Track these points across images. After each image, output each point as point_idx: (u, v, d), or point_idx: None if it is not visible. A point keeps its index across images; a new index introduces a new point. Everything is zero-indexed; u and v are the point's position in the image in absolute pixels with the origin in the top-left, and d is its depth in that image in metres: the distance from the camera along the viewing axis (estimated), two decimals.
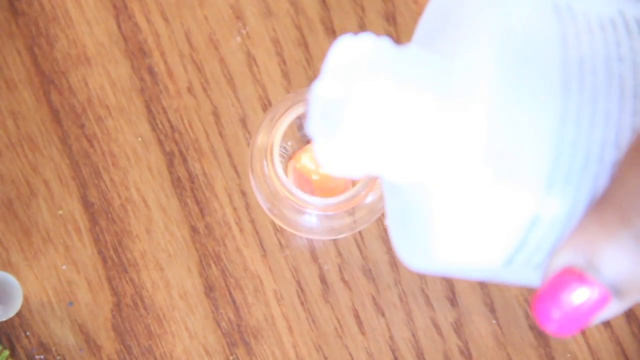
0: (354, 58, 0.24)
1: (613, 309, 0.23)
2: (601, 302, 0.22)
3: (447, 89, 0.23)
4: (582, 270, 0.22)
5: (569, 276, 0.22)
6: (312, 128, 0.25)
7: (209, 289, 0.48)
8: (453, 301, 0.48)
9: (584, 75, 0.22)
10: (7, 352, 0.47)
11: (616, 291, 0.22)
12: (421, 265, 0.26)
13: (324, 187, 0.45)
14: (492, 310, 0.48)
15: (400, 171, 0.24)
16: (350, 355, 0.48)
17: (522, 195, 0.22)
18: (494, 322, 0.48)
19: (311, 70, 0.49)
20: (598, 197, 0.22)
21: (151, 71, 0.49)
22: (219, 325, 0.48)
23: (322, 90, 0.24)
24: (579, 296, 0.22)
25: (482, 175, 0.22)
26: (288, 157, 0.46)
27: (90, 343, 0.48)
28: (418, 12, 0.50)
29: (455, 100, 0.23)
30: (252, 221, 0.48)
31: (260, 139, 0.44)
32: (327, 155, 0.24)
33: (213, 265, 0.48)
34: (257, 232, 0.48)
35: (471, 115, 0.22)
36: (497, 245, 0.23)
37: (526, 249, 0.23)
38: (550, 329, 0.23)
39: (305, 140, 0.46)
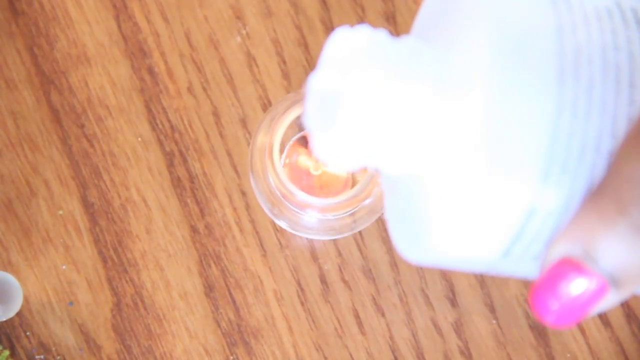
0: (350, 50, 0.24)
1: (611, 300, 0.22)
2: (599, 292, 0.22)
3: (443, 80, 0.23)
4: (579, 260, 0.22)
5: (567, 267, 0.22)
6: (308, 120, 0.25)
7: (209, 288, 0.48)
8: (453, 301, 0.48)
9: (580, 65, 0.22)
10: (7, 352, 0.47)
11: (614, 281, 0.22)
12: (419, 257, 0.26)
13: (323, 183, 0.45)
14: (492, 310, 0.48)
15: (397, 163, 0.24)
16: (350, 355, 0.48)
17: (518, 185, 0.22)
18: (494, 322, 0.48)
19: (311, 70, 0.49)
20: (595, 187, 0.22)
21: (151, 71, 0.49)
22: (219, 325, 0.48)
23: (319, 82, 0.24)
24: (576, 287, 0.22)
25: (478, 166, 0.22)
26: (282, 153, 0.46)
27: (90, 343, 0.48)
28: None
29: (452, 91, 0.23)
30: (252, 221, 0.48)
31: (260, 139, 0.44)
32: (325, 148, 0.24)
33: (213, 265, 0.48)
34: (257, 232, 0.48)
35: (467, 105, 0.22)
36: (494, 237, 0.23)
37: (523, 239, 0.23)
38: (547, 320, 0.23)
39: (299, 136, 0.46)
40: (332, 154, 0.24)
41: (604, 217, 0.22)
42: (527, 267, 0.25)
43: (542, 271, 0.23)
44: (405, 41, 0.24)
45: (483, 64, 0.22)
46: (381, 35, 0.24)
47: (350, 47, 0.24)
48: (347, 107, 0.23)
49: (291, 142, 0.46)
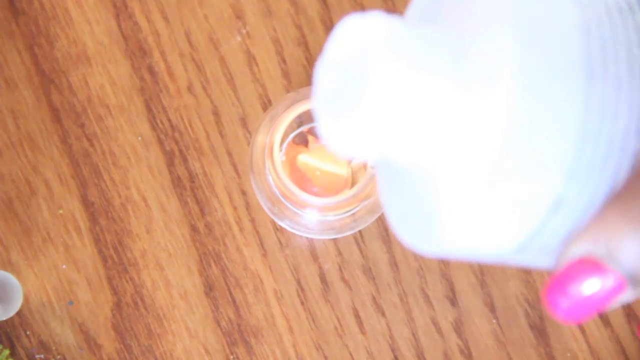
0: (366, 36, 0.23)
1: (626, 298, 0.23)
2: (616, 291, 0.22)
3: (465, 73, 0.23)
4: (600, 259, 0.22)
5: (587, 265, 0.22)
6: (320, 106, 0.24)
7: (209, 288, 0.48)
8: (453, 300, 0.48)
9: (607, 62, 0.22)
10: (7, 352, 0.47)
11: (633, 280, 0.22)
12: (427, 248, 0.25)
13: (323, 184, 0.45)
14: (492, 309, 0.48)
15: (411, 153, 0.24)
16: (350, 354, 0.48)
17: (543, 183, 0.22)
18: (494, 321, 0.48)
19: (311, 69, 0.49)
20: (620, 188, 0.22)
21: (151, 70, 0.49)
22: (219, 325, 0.48)
23: (332, 68, 0.24)
24: (596, 285, 0.22)
25: (502, 162, 0.22)
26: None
27: (90, 342, 0.48)
28: None
29: (473, 85, 0.23)
30: (252, 220, 0.48)
31: (261, 138, 0.44)
32: (338, 135, 0.24)
33: (213, 265, 0.48)
34: (257, 231, 0.48)
35: (491, 101, 0.22)
36: (512, 232, 0.23)
37: (541, 236, 0.23)
38: (561, 316, 0.23)
39: (297, 133, 0.46)
40: (344, 141, 0.24)
41: (631, 218, 0.22)
42: (539, 259, 0.25)
43: (559, 268, 0.23)
44: (421, 30, 0.24)
45: (509, 60, 0.22)
46: (397, 23, 0.24)
47: (365, 33, 0.23)
48: (368, 95, 0.23)
49: (289, 139, 0.46)
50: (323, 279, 0.48)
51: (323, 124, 0.24)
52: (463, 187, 0.23)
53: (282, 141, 0.44)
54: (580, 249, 0.22)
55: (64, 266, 0.48)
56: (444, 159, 0.24)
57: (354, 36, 0.24)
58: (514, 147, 0.22)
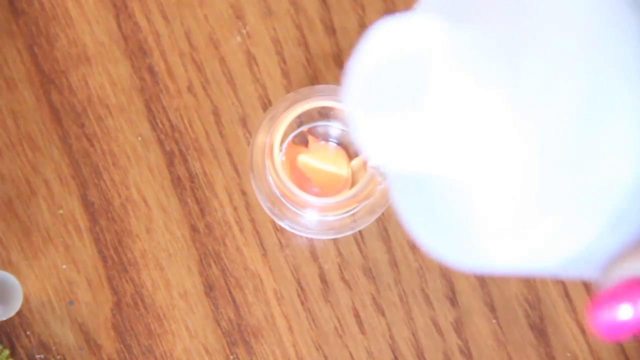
0: (421, 40, 0.22)
1: None
2: None
3: (519, 88, 0.22)
4: None
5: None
6: (359, 107, 0.23)
7: (209, 288, 0.48)
8: (453, 300, 0.48)
9: None
10: (7, 352, 0.47)
11: None
12: (465, 263, 0.25)
13: (323, 184, 0.45)
14: (492, 309, 0.48)
15: (458, 166, 0.23)
16: (350, 354, 0.48)
17: (602, 201, 0.21)
18: (494, 321, 0.48)
19: (311, 69, 0.49)
20: None
21: (151, 70, 0.49)
22: (219, 325, 0.48)
23: (374, 70, 0.23)
24: None
25: (559, 179, 0.21)
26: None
27: (90, 342, 0.48)
28: None
29: (531, 100, 0.22)
30: (252, 220, 0.48)
31: (261, 138, 0.44)
32: (381, 138, 0.23)
33: (213, 265, 0.48)
34: (257, 232, 0.48)
35: (550, 117, 0.21)
36: (558, 251, 0.22)
37: (593, 252, 0.22)
38: (611, 336, 0.22)
39: (297, 133, 0.46)
40: (387, 145, 0.23)
41: None
42: (581, 272, 0.24)
43: (608, 285, 0.22)
44: (474, 37, 0.23)
45: (568, 77, 0.21)
46: (450, 27, 0.22)
47: (420, 36, 0.22)
48: (420, 102, 0.22)
49: (289, 139, 0.46)
50: (323, 279, 0.48)
51: (362, 127, 0.23)
52: (515, 206, 0.22)
53: (282, 141, 0.44)
54: (632, 268, 0.22)
55: (64, 266, 0.48)
56: (492, 174, 0.23)
57: (405, 38, 0.23)
58: (573, 165, 0.21)
